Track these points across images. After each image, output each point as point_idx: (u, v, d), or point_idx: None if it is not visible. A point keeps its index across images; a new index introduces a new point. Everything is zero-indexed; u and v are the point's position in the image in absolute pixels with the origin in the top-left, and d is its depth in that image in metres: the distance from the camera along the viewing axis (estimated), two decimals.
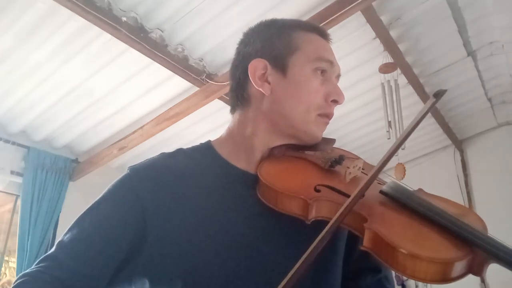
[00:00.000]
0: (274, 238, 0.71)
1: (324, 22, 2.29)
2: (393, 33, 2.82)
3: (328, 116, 0.78)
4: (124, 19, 2.45)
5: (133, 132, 3.39)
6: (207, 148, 0.82)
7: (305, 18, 2.42)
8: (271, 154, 0.78)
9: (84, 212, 0.72)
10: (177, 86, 3.04)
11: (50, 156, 3.69)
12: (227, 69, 2.68)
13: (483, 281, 3.70)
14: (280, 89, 0.76)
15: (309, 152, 0.78)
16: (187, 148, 0.82)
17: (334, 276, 0.75)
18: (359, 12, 2.45)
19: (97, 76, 2.92)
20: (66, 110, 3.29)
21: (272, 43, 0.78)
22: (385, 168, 0.65)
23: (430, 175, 4.06)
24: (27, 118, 3.40)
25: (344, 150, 0.84)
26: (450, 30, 2.90)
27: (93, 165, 3.75)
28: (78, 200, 3.51)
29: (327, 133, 0.81)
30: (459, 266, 0.56)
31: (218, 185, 0.75)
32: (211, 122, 3.40)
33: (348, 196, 0.63)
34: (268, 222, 0.71)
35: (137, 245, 0.69)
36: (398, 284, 4.09)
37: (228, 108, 0.85)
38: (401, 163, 3.29)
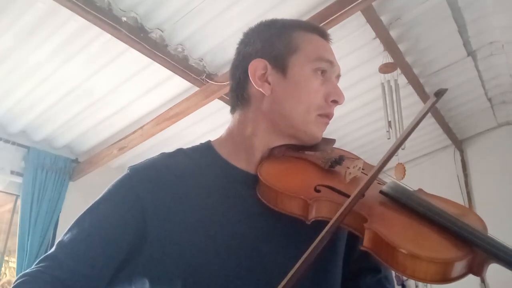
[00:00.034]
0: (274, 238, 0.71)
1: (324, 22, 2.29)
2: (393, 33, 2.82)
3: (328, 116, 0.78)
4: (124, 19, 2.45)
5: (133, 132, 3.39)
6: (207, 148, 0.82)
7: (305, 18, 2.42)
8: (271, 154, 0.78)
9: (84, 212, 0.72)
10: (177, 86, 3.04)
11: (50, 156, 3.69)
12: (227, 69, 2.68)
13: (483, 281, 3.70)
14: (280, 89, 0.76)
15: (309, 152, 0.78)
16: (187, 148, 0.82)
17: (334, 276, 0.75)
18: (359, 12, 2.45)
19: (97, 76, 2.92)
20: (66, 110, 3.29)
21: (272, 43, 0.78)
22: (385, 168, 0.65)
23: (430, 175, 4.06)
24: (27, 118, 3.40)
25: (344, 150, 0.84)
26: (450, 30, 2.90)
27: (93, 165, 3.75)
28: (78, 200, 3.51)
29: (327, 133, 0.81)
30: (459, 266, 0.56)
31: (218, 185, 0.75)
32: (211, 122, 3.40)
33: (348, 196, 0.63)
34: (268, 222, 0.71)
35: (137, 245, 0.69)
36: (398, 284, 4.09)
37: (228, 108, 0.85)
38: (401, 163, 3.29)
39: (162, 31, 2.60)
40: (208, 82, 2.84)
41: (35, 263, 0.67)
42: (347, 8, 2.28)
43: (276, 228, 0.71)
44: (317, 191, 0.67)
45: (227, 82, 2.21)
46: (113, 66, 2.83)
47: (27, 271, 0.66)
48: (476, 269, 0.57)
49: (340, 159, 0.76)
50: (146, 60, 2.69)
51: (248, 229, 0.71)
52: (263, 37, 0.80)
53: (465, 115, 4.05)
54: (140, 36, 2.52)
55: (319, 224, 0.62)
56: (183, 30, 2.61)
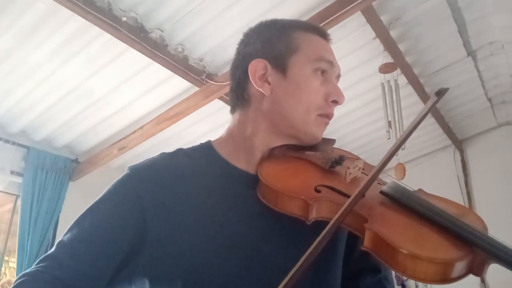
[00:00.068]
0: (274, 238, 0.71)
1: (324, 22, 2.29)
2: (393, 33, 2.82)
3: (328, 116, 0.78)
4: (124, 19, 2.45)
5: (133, 132, 3.39)
6: (207, 148, 0.82)
7: (305, 18, 2.42)
8: (271, 154, 0.78)
9: (84, 212, 0.72)
10: (177, 86, 3.04)
11: (50, 156, 3.69)
12: (227, 69, 2.68)
13: (483, 281, 3.70)
14: (280, 89, 0.76)
15: (309, 152, 0.78)
16: (187, 148, 0.82)
17: (334, 276, 0.75)
18: (359, 12, 2.45)
19: (97, 76, 2.92)
20: (66, 110, 3.29)
21: (272, 43, 0.78)
22: (385, 168, 0.65)
23: (430, 175, 4.06)
24: (27, 118, 3.40)
25: (344, 151, 0.84)
26: (450, 30, 2.90)
27: (93, 165, 3.75)
28: (78, 200, 3.51)
29: (327, 133, 0.81)
30: (459, 266, 0.56)
31: (218, 185, 0.75)
32: (211, 122, 3.40)
33: (349, 196, 0.63)
34: (268, 222, 0.71)
35: (137, 245, 0.69)
36: (398, 284, 4.09)
37: (228, 108, 0.85)
38: (401, 163, 3.29)
39: (162, 31, 2.60)
40: (208, 82, 2.84)
41: (35, 263, 0.67)
42: (347, 8, 2.28)
43: (276, 228, 0.71)
44: (318, 191, 0.67)
45: (227, 82, 2.21)
46: (113, 66, 2.83)
47: (27, 271, 0.66)
48: (476, 269, 0.57)
49: (340, 159, 0.76)
50: (146, 60, 2.69)
51: (248, 229, 0.71)
52: (263, 37, 0.80)
53: (465, 115, 4.05)
54: (140, 36, 2.52)
55: (319, 224, 0.62)
56: (183, 30, 2.61)
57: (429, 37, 2.94)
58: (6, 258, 3.68)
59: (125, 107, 3.29)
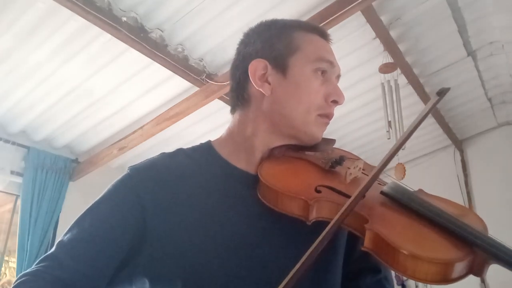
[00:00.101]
0: (274, 239, 0.71)
1: (324, 22, 2.29)
2: (393, 33, 2.82)
3: (328, 116, 0.78)
4: (124, 19, 2.45)
5: (133, 132, 3.39)
6: (207, 148, 0.82)
7: (305, 18, 2.42)
8: (271, 155, 0.78)
9: (84, 212, 0.72)
10: (177, 86, 3.04)
11: (50, 156, 3.69)
12: (227, 69, 2.68)
13: (483, 281, 3.70)
14: (280, 89, 0.76)
15: (309, 152, 0.78)
16: (187, 148, 0.82)
17: (334, 276, 0.76)
18: (359, 12, 2.45)
19: (97, 76, 2.92)
20: (66, 110, 3.29)
21: (272, 43, 0.78)
22: (385, 168, 0.65)
23: (430, 175, 4.06)
24: (27, 118, 3.40)
25: (344, 151, 0.84)
26: (450, 30, 2.90)
27: (93, 165, 3.75)
28: (78, 200, 3.51)
29: (327, 133, 0.81)
30: (459, 267, 0.56)
31: (218, 185, 0.75)
32: (211, 122, 3.40)
33: (349, 196, 0.63)
34: (268, 222, 0.71)
35: (137, 245, 0.69)
36: (398, 284, 4.09)
37: (228, 108, 0.85)
38: (401, 163, 3.29)
39: (162, 31, 2.60)
40: (208, 82, 2.84)
41: (35, 263, 0.67)
42: (347, 8, 2.28)
43: (276, 228, 0.71)
44: (318, 191, 0.67)
45: (227, 82, 2.21)
46: (113, 66, 2.83)
47: (27, 271, 0.66)
48: (477, 269, 0.57)
49: (340, 160, 0.76)
50: (146, 60, 2.69)
51: (248, 229, 0.71)
52: (263, 37, 0.80)
53: (465, 115, 4.05)
54: (140, 36, 2.52)
55: (320, 224, 0.62)
56: (183, 30, 2.61)
57: (429, 37, 2.93)
58: (6, 258, 3.68)
59: (125, 107, 3.29)
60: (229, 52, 2.59)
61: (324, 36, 0.81)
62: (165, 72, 2.82)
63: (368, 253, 0.59)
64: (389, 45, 2.81)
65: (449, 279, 0.55)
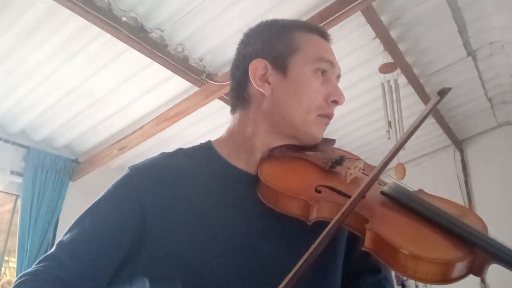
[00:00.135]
0: (274, 239, 0.71)
1: (324, 22, 2.29)
2: (393, 33, 2.82)
3: (328, 116, 0.78)
4: (124, 19, 2.45)
5: (133, 132, 3.39)
6: (207, 148, 0.82)
7: (305, 18, 2.42)
8: (271, 155, 0.78)
9: (84, 212, 0.72)
10: (177, 86, 3.04)
11: (50, 156, 3.69)
12: (227, 69, 2.68)
13: (483, 281, 3.70)
14: (280, 89, 0.76)
15: (310, 152, 0.78)
16: (187, 148, 0.82)
17: (334, 277, 0.76)
18: (359, 12, 2.45)
19: (97, 76, 2.92)
20: (66, 110, 3.29)
21: (272, 43, 0.78)
22: (385, 169, 0.65)
23: (430, 175, 4.06)
24: (27, 118, 3.40)
25: (344, 151, 0.84)
26: (450, 30, 2.90)
27: (93, 165, 3.75)
28: (78, 200, 3.51)
29: (327, 133, 0.81)
30: (459, 267, 0.56)
31: (218, 185, 0.75)
32: (211, 122, 3.40)
33: (349, 197, 0.63)
34: (268, 222, 0.71)
35: (137, 245, 0.69)
36: (398, 284, 4.10)
37: (228, 108, 0.85)
38: (401, 163, 3.29)
39: (162, 31, 2.60)
40: (208, 82, 2.84)
41: (35, 263, 0.67)
42: (347, 8, 2.28)
43: (276, 229, 0.71)
44: (318, 191, 0.67)
45: (227, 82, 2.21)
46: (113, 66, 2.83)
47: (27, 270, 0.66)
48: (477, 269, 0.57)
49: (340, 160, 0.76)
50: (146, 60, 2.69)
51: (248, 229, 0.71)
52: (264, 37, 0.80)
53: (465, 115, 4.05)
54: (140, 36, 2.52)
55: (320, 224, 0.62)
56: (183, 30, 2.61)
57: (429, 37, 2.93)
58: (6, 258, 3.68)
59: (125, 107, 3.29)
60: (229, 52, 2.59)
61: (324, 36, 0.81)
62: (165, 72, 2.82)
63: (368, 253, 0.59)
64: (389, 45, 2.81)
65: (449, 279, 0.55)
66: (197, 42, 2.71)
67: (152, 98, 3.18)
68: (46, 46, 2.65)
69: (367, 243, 0.59)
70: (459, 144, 4.39)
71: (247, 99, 0.80)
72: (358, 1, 2.25)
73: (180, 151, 0.81)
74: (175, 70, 2.77)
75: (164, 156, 0.79)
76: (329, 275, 0.75)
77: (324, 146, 0.80)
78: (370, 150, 4.07)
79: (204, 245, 0.68)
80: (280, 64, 0.77)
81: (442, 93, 0.70)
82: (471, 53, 3.21)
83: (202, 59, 2.85)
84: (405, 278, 3.88)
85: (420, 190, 0.73)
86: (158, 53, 2.62)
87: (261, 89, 0.77)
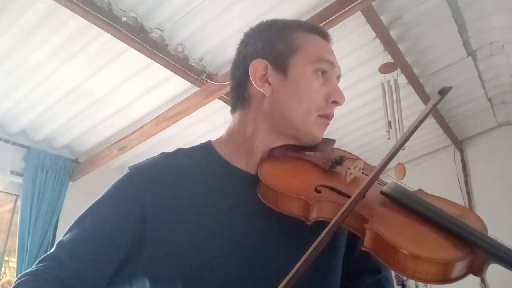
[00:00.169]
0: (274, 239, 0.71)
1: (324, 22, 2.30)
2: (393, 33, 2.82)
3: (328, 117, 0.78)
4: (124, 19, 2.45)
5: (133, 132, 3.39)
6: (207, 148, 0.82)
7: (305, 18, 2.42)
8: (271, 155, 0.78)
9: (85, 212, 0.72)
10: (177, 86, 3.04)
11: (50, 156, 3.69)
12: (227, 69, 2.68)
13: (483, 281, 3.70)
14: (280, 89, 0.76)
15: (309, 152, 0.78)
16: (187, 148, 0.82)
17: (334, 276, 0.76)
18: (359, 12, 2.45)
19: (97, 76, 2.92)
20: (66, 110, 3.29)
21: (272, 43, 0.78)
22: (385, 169, 0.65)
23: (430, 175, 4.06)
24: (27, 118, 3.40)
25: (344, 151, 0.84)
26: (450, 30, 2.90)
27: (93, 165, 3.75)
28: (78, 200, 3.51)
29: (327, 133, 0.81)
30: (459, 267, 0.56)
31: (218, 185, 0.75)
32: (211, 122, 3.40)
33: (349, 196, 0.63)
34: (268, 222, 0.71)
35: (137, 245, 0.69)
36: (398, 284, 4.10)
37: (228, 108, 0.85)
38: (401, 163, 3.29)
39: (162, 31, 2.60)
40: (208, 82, 2.84)
41: (36, 263, 0.67)
42: (347, 8, 2.28)
43: (276, 228, 0.71)
44: (318, 191, 0.68)
45: (227, 82, 2.21)
46: (113, 66, 2.83)
47: (27, 270, 0.66)
48: (476, 269, 0.57)
49: (340, 160, 0.76)
50: (146, 60, 2.69)
51: (248, 229, 0.71)
52: (264, 38, 0.80)
53: (465, 115, 4.05)
54: (140, 36, 2.52)
55: (320, 224, 0.62)
56: (183, 30, 2.61)
57: (429, 37, 2.94)
58: (6, 258, 3.68)
59: (125, 107, 3.29)
60: (229, 52, 2.59)
61: (325, 36, 0.81)
62: (165, 72, 2.82)
63: (368, 253, 0.59)
64: (389, 45, 2.81)
65: (449, 279, 0.55)
66: (197, 42, 2.71)
67: (152, 98, 3.18)
68: (46, 46, 2.65)
69: (367, 243, 0.59)
70: (459, 144, 4.39)
71: (247, 99, 0.80)
72: (358, 1, 2.25)
73: (180, 151, 0.81)
74: (175, 70, 2.77)
75: (164, 156, 0.79)
76: (329, 275, 0.75)
77: (324, 146, 0.80)
78: (370, 150, 4.07)
79: (204, 245, 0.68)
80: (280, 64, 0.77)
81: (443, 92, 0.70)
82: (471, 53, 3.21)
83: (202, 59, 2.85)
84: (405, 278, 3.89)
85: (420, 190, 0.73)
86: (158, 53, 2.62)
87: (261, 89, 0.77)
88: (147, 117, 3.33)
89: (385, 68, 2.86)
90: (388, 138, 2.96)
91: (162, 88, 3.07)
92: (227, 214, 0.71)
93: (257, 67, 0.77)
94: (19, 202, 3.53)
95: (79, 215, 0.72)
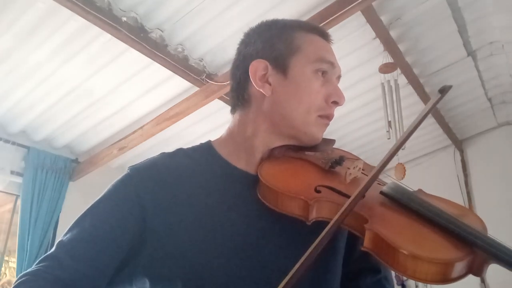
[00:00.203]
0: (274, 239, 0.71)
1: (324, 22, 2.30)
2: (393, 33, 2.82)
3: (328, 117, 0.78)
4: (124, 19, 2.45)
5: (133, 132, 3.39)
6: (207, 148, 0.82)
7: (305, 18, 2.42)
8: (271, 155, 0.78)
9: (85, 212, 0.72)
10: (177, 86, 3.04)
11: (50, 156, 3.69)
12: (227, 69, 2.68)
13: (483, 281, 3.70)
14: (280, 90, 0.76)
15: (309, 153, 0.78)
16: (187, 148, 0.82)
17: (334, 276, 0.76)
18: (359, 12, 2.45)
19: (97, 76, 2.92)
20: (66, 110, 3.29)
21: (273, 43, 0.78)
22: (385, 168, 0.65)
23: (430, 175, 4.06)
24: (27, 118, 3.40)
25: (344, 151, 0.84)
26: (450, 30, 2.90)
27: (93, 165, 3.75)
28: (78, 200, 3.51)
29: (327, 133, 0.81)
30: (459, 267, 0.56)
31: (218, 185, 0.75)
32: (211, 122, 3.40)
33: (349, 197, 0.63)
34: (268, 222, 0.71)
35: (137, 245, 0.69)
36: (398, 284, 4.10)
37: (228, 108, 0.85)
38: (401, 163, 3.29)
39: (162, 31, 2.60)
40: (208, 82, 2.84)
41: (36, 263, 0.67)
42: (347, 8, 2.28)
43: (276, 228, 0.71)
44: (318, 191, 0.68)
45: (227, 82, 2.21)
46: (113, 66, 2.83)
47: (27, 271, 0.66)
48: (476, 269, 0.57)
49: (340, 160, 0.76)
50: (146, 60, 2.69)
51: (248, 229, 0.71)
52: (264, 38, 0.80)
53: (465, 115, 4.05)
54: (140, 36, 2.52)
55: (319, 224, 0.63)
56: (183, 30, 2.61)
57: (429, 37, 2.94)
58: (6, 258, 3.68)
59: (125, 107, 3.29)
60: (229, 52, 2.59)
61: (325, 36, 0.81)
62: (165, 72, 2.82)
63: (368, 253, 0.59)
64: (389, 45, 2.81)
65: (449, 279, 0.55)
66: (197, 42, 2.71)
67: (152, 98, 3.18)
68: (46, 46, 2.65)
69: (367, 243, 0.59)
70: (459, 144, 4.39)
71: (247, 99, 0.80)
72: (358, 1, 2.25)
73: (180, 151, 0.81)
74: (175, 70, 2.77)
75: (164, 156, 0.79)
76: (329, 275, 0.75)
77: (324, 146, 0.80)
78: (370, 150, 4.07)
79: (204, 245, 0.68)
80: (281, 65, 0.77)
81: (443, 90, 0.70)
82: (471, 53, 3.21)
83: (202, 59, 2.85)
84: (405, 278, 3.88)
85: (420, 190, 0.73)
86: (158, 53, 2.62)
87: (261, 90, 0.77)
88: (147, 117, 3.33)
89: (385, 68, 2.86)
90: (388, 138, 2.96)
91: (162, 88, 3.07)
92: (227, 214, 0.71)
93: (257, 67, 0.77)
94: (19, 202, 3.53)
95: (79, 215, 0.72)
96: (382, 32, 2.72)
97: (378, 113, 3.37)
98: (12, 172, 3.52)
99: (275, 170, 0.73)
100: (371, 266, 0.80)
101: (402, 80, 3.12)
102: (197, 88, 2.94)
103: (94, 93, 3.11)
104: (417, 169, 4.20)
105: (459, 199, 4.06)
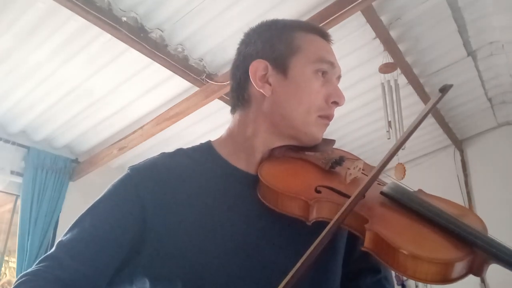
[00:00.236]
0: (274, 239, 0.71)
1: (324, 22, 2.30)
2: (393, 33, 2.82)
3: (328, 117, 0.78)
4: (124, 19, 2.45)
5: (133, 132, 3.39)
6: (207, 148, 0.82)
7: (305, 18, 2.42)
8: (272, 155, 0.78)
9: (85, 212, 0.72)
10: (177, 86, 3.04)
11: (50, 156, 3.69)
12: (227, 69, 2.68)
13: (483, 281, 3.70)
14: (280, 90, 0.76)
15: (309, 153, 0.78)
16: (187, 148, 0.82)
17: (334, 276, 0.76)
18: (359, 12, 2.45)
19: (97, 76, 2.92)
20: (66, 110, 3.29)
21: (273, 44, 0.78)
22: (385, 169, 0.65)
23: (430, 175, 4.06)
24: (27, 118, 3.40)
25: (344, 151, 0.84)
26: (450, 30, 2.90)
27: (93, 165, 3.75)
28: (78, 200, 3.51)
29: (327, 133, 0.81)
30: (459, 267, 0.56)
31: (218, 185, 0.75)
32: (211, 122, 3.40)
33: (349, 197, 0.63)
34: (268, 222, 0.71)
35: (137, 245, 0.69)
36: (398, 284, 4.10)
37: (228, 108, 0.85)
38: (401, 163, 3.29)
39: (162, 31, 2.60)
40: (208, 82, 2.84)
41: (36, 263, 0.67)
42: (347, 8, 2.28)
43: (276, 229, 0.71)
44: (318, 192, 0.68)
45: (227, 82, 2.21)
46: (113, 66, 2.83)
47: (27, 271, 0.66)
48: (476, 269, 0.57)
49: (340, 160, 0.76)
50: (146, 60, 2.69)
51: (248, 229, 0.71)
52: (264, 38, 0.80)
53: (465, 115, 4.05)
54: (140, 36, 2.52)
55: (320, 224, 0.63)
56: (183, 30, 2.61)
57: (429, 37, 2.94)
58: (6, 258, 3.68)
59: (125, 107, 3.29)
60: (229, 52, 2.59)
61: (325, 36, 0.81)
62: (165, 72, 2.82)
63: (368, 253, 0.59)
64: (389, 45, 2.81)
65: (449, 279, 0.55)
66: (197, 42, 2.71)
67: (152, 98, 3.18)
68: (46, 46, 2.65)
69: (367, 243, 0.59)
70: (459, 144, 4.39)
71: (247, 99, 0.80)
72: (358, 1, 2.25)
73: (180, 151, 0.81)
74: (175, 70, 2.77)
75: (164, 156, 0.79)
76: (329, 274, 0.75)
77: (324, 147, 0.80)
78: (370, 150, 4.07)
79: (204, 245, 0.68)
80: (281, 65, 0.77)
81: (444, 90, 0.70)
82: (471, 53, 3.21)
83: (202, 59, 2.85)
84: (405, 278, 3.88)
85: (420, 190, 0.73)
86: (158, 53, 2.62)
87: (261, 90, 0.77)
88: (147, 117, 3.33)
89: (385, 68, 2.86)
90: (388, 138, 2.96)
91: (162, 88, 3.07)
92: (227, 214, 0.71)
93: (257, 67, 0.77)
94: (19, 202, 3.53)
95: (79, 215, 0.72)
96: (382, 32, 2.72)
97: (378, 113, 3.37)
98: (12, 172, 3.52)
99: (275, 170, 0.73)
100: (371, 266, 0.80)
101: (402, 80, 3.12)
102: (197, 88, 2.94)
103: (94, 93, 3.11)
104: (417, 169, 4.20)
105: (459, 199, 4.06)
